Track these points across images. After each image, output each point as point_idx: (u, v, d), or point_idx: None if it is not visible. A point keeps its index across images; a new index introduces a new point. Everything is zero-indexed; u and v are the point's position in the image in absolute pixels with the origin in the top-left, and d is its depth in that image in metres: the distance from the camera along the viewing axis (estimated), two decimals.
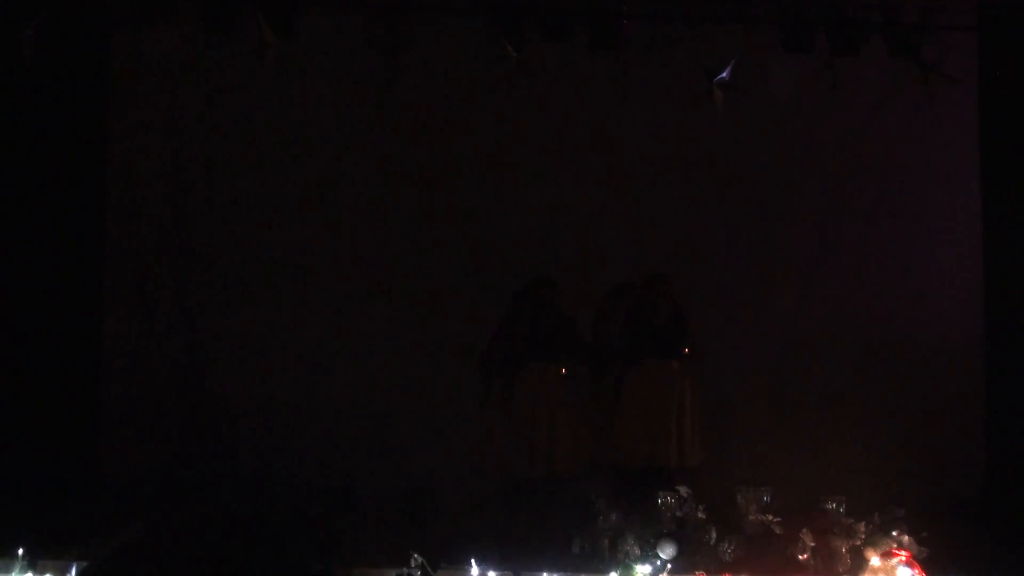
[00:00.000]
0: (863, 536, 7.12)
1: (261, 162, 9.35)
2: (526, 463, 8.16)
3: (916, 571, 6.98)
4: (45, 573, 6.99)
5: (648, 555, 6.91)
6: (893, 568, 6.98)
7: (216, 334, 9.31)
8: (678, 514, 7.09)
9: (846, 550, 7.09)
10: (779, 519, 7.20)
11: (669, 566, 6.90)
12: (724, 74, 7.86)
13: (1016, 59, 8.68)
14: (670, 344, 8.34)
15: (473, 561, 6.86)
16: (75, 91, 8.91)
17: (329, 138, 9.34)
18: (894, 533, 7.12)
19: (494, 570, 6.89)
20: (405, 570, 6.84)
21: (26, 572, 6.94)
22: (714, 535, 7.02)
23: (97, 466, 8.97)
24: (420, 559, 6.79)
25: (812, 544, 7.04)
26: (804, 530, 7.07)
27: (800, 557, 7.03)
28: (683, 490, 7.18)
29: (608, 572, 6.96)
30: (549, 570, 6.94)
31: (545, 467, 8.16)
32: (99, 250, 9.20)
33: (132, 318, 9.29)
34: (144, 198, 9.38)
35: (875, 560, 7.01)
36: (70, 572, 6.87)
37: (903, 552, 7.04)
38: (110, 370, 9.16)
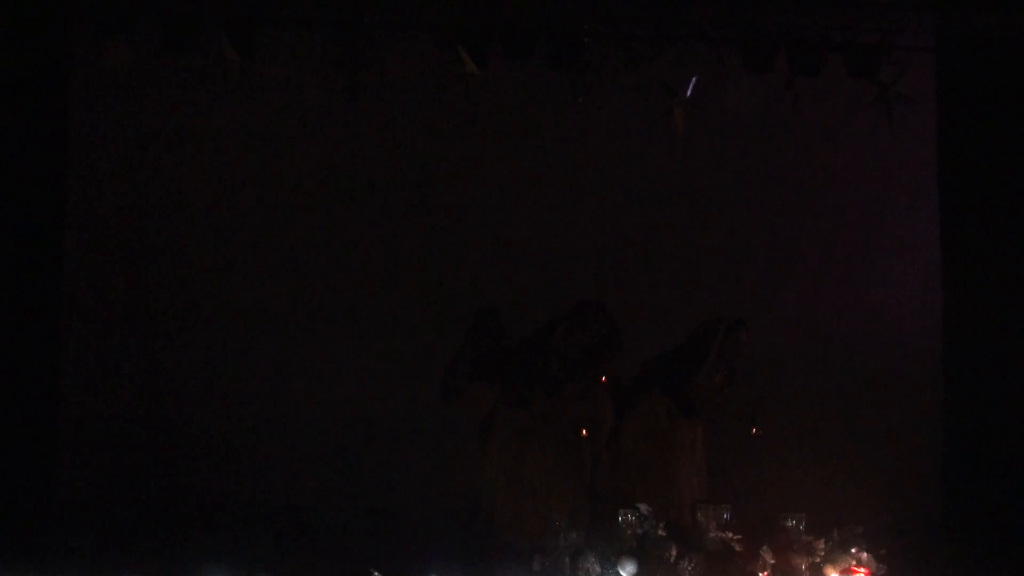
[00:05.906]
0: (822, 553, 7.17)
1: (221, 178, 9.32)
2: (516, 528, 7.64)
3: None
4: None
5: (608, 573, 6.93)
6: None
7: (177, 353, 9.25)
8: (638, 531, 7.10)
9: (806, 567, 7.14)
10: (739, 536, 7.23)
11: None
12: (685, 92, 7.93)
13: (971, 79, 8.86)
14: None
15: None
16: (34, 100, 8.83)
17: (290, 155, 9.33)
18: (853, 550, 7.17)
19: None
20: None
21: None
22: (674, 552, 7.03)
23: (55, 487, 8.87)
24: None
25: (772, 561, 7.08)
26: (764, 547, 7.11)
27: (760, 575, 7.07)
28: (643, 507, 7.19)
29: None
30: None
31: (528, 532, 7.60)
32: (58, 264, 9.11)
33: (91, 335, 9.21)
34: (104, 212, 9.31)
35: None
36: None
37: (862, 569, 7.10)
38: (69, 389, 9.07)
